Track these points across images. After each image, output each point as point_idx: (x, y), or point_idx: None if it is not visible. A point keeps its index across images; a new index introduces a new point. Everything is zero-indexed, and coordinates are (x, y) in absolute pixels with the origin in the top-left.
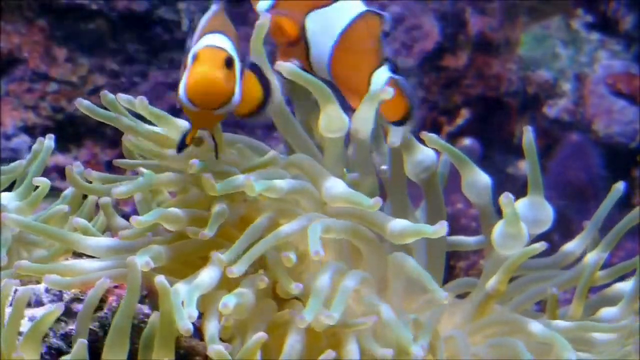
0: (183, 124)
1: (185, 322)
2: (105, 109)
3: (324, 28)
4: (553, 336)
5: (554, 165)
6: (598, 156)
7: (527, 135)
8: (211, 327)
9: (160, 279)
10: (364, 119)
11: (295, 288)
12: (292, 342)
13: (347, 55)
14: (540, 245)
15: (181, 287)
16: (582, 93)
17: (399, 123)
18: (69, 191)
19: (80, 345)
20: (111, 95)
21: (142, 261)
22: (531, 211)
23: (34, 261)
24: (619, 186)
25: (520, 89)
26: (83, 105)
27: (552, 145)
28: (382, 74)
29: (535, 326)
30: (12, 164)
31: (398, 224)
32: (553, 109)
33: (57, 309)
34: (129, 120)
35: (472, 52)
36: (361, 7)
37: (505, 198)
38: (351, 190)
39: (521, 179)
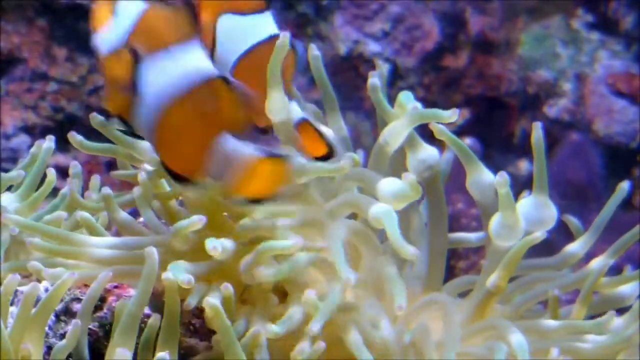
0: None
1: (184, 275)
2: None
3: (233, 36)
4: (523, 351)
5: (554, 165)
6: (598, 156)
7: (537, 132)
8: (210, 298)
9: (167, 274)
10: (398, 134)
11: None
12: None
13: (249, 74)
14: (541, 234)
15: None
16: (582, 93)
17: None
18: (67, 190)
19: (76, 326)
20: (100, 117)
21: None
22: (535, 210)
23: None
24: (624, 185)
25: (520, 89)
26: (76, 140)
27: (552, 145)
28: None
29: (515, 337)
30: (12, 173)
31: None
32: (553, 109)
33: (70, 277)
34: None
35: (472, 52)
36: (273, 30)
37: (501, 177)
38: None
39: (521, 179)
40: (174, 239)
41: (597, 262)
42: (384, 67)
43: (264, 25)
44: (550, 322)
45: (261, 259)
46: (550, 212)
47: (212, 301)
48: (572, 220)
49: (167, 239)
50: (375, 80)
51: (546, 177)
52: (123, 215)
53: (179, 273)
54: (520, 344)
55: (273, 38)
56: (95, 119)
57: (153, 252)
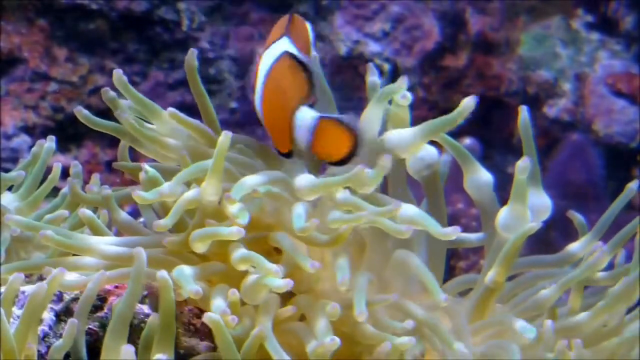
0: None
1: (192, 286)
2: (104, 112)
3: (260, 71)
4: (530, 331)
5: (554, 165)
6: (598, 156)
7: (523, 114)
8: (217, 301)
9: (162, 274)
10: (371, 120)
11: (311, 266)
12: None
13: (269, 99)
14: (536, 224)
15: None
16: (582, 93)
17: (343, 162)
18: (67, 189)
19: (72, 325)
20: (112, 93)
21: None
22: (530, 199)
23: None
24: (632, 186)
25: (520, 89)
26: (82, 114)
27: (552, 145)
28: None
29: (519, 323)
30: (12, 174)
31: (408, 209)
32: (553, 109)
33: (60, 273)
34: (126, 122)
35: (472, 52)
36: (282, 49)
37: (523, 162)
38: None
39: None
40: (196, 242)
41: (595, 256)
42: (376, 70)
43: (276, 48)
44: (580, 316)
45: (256, 287)
46: (545, 201)
47: (213, 316)
48: (576, 216)
49: (180, 239)
50: (374, 78)
51: (537, 166)
52: (124, 215)
53: (188, 283)
54: (523, 327)
55: (281, 56)
56: (107, 93)
57: (141, 253)
